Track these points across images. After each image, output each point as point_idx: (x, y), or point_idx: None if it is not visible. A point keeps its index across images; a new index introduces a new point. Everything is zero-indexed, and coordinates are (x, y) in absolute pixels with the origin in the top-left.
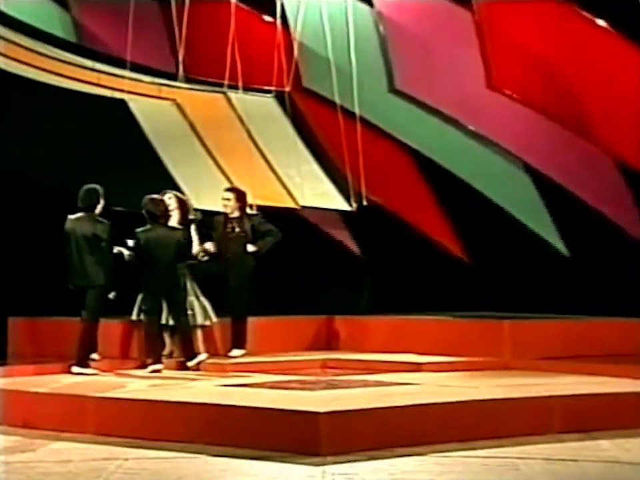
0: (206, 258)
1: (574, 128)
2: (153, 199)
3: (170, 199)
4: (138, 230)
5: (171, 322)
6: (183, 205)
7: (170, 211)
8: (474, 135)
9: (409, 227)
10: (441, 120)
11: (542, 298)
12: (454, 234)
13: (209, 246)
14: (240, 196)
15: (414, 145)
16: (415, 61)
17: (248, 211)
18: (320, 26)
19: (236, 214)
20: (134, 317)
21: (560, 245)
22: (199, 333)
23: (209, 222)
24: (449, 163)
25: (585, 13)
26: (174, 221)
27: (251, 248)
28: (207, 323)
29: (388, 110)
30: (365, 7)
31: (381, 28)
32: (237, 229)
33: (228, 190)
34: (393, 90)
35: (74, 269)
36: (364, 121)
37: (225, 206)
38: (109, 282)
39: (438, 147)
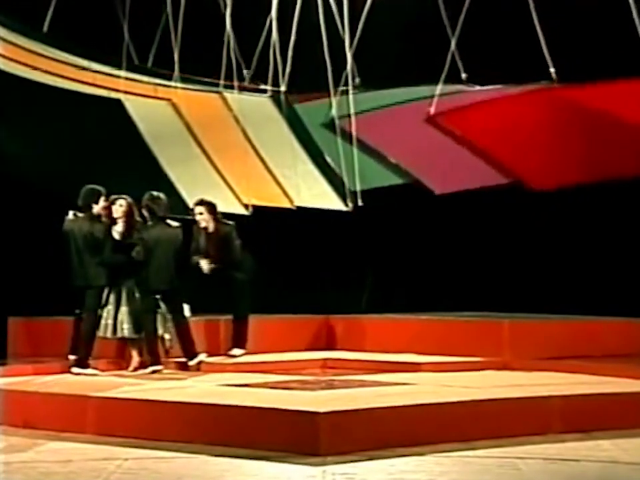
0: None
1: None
2: (152, 196)
3: (121, 206)
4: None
5: (127, 333)
6: (130, 215)
7: (118, 218)
8: None
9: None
10: None
11: (542, 298)
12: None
13: (204, 265)
14: (211, 208)
15: None
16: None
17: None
18: None
19: (211, 227)
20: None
21: None
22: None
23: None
24: None
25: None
26: (117, 231)
27: (205, 267)
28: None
29: None
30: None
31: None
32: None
33: (198, 204)
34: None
35: (73, 269)
36: None
37: (200, 221)
38: (109, 282)
39: None
